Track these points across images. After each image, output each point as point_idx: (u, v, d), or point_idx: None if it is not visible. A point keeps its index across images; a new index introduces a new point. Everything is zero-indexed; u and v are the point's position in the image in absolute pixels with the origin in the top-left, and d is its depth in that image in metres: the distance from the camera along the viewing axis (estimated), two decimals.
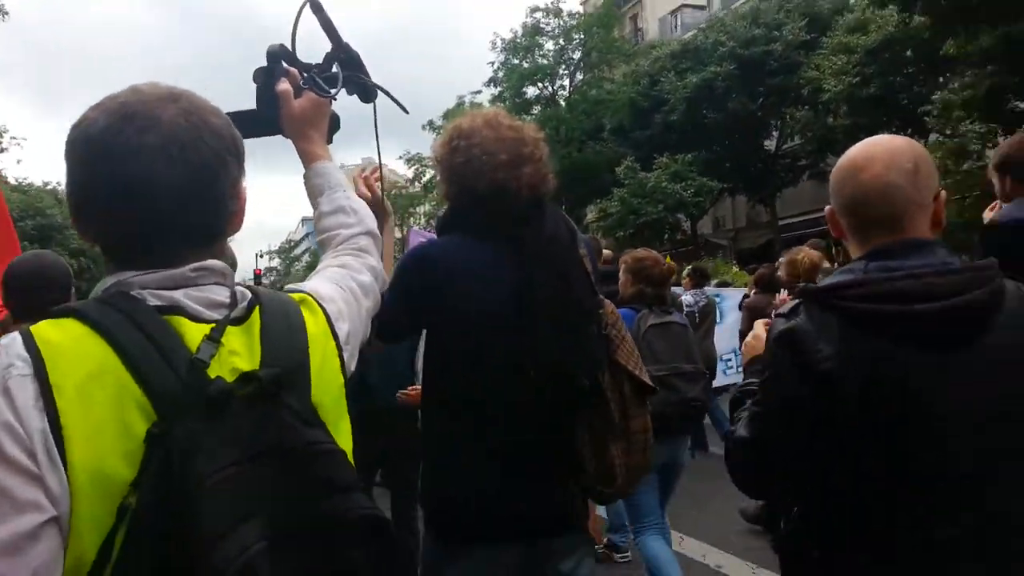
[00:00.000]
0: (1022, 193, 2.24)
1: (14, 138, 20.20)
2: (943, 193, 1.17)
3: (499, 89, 26.61)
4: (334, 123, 1.20)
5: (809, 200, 18.68)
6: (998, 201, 2.37)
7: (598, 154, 23.76)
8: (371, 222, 1.15)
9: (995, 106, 12.40)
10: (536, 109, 26.73)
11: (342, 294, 0.98)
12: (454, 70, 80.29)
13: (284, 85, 1.09)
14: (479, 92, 28.33)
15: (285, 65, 1.09)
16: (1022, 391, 1.07)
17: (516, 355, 1.39)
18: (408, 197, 40.30)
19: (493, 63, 26.55)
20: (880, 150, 1.15)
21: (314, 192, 1.13)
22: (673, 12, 30.30)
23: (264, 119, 1.10)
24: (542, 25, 25.71)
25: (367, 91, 1.23)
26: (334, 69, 1.15)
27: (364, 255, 1.08)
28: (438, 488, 1.53)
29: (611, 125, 23.17)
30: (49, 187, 22.89)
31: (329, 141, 1.20)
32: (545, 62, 25.84)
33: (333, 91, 1.13)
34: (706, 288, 6.66)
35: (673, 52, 22.23)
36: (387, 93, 1.24)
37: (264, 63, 1.08)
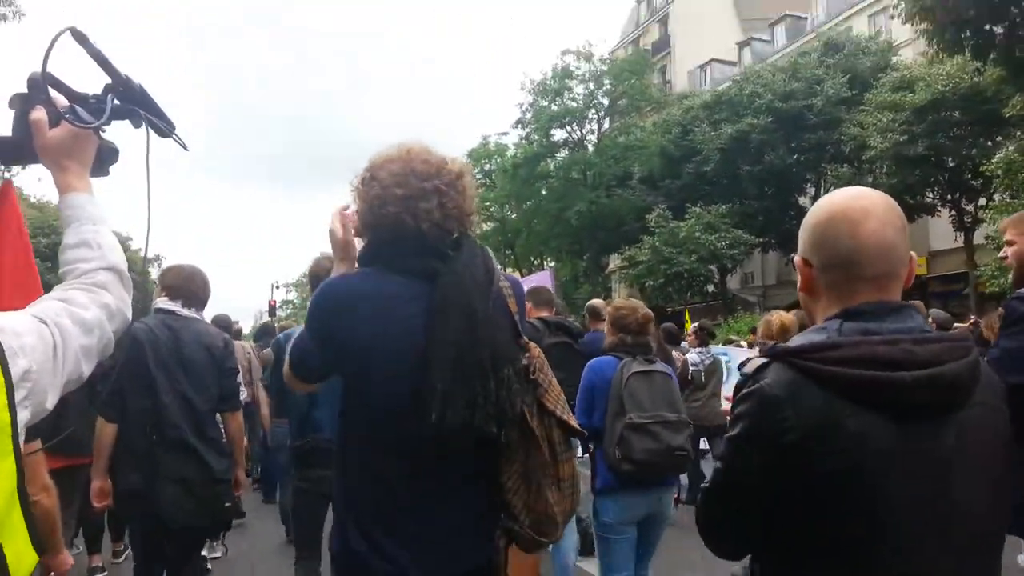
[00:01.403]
0: None
1: None
2: (914, 255, 1.13)
3: (527, 130, 26.69)
4: (108, 154, 1.22)
5: None
6: (1010, 256, 2.45)
7: (625, 201, 23.57)
8: (115, 257, 1.15)
9: None
10: (563, 153, 26.73)
11: (38, 328, 0.96)
12: (482, 109, 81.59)
13: (37, 114, 1.09)
14: (506, 133, 28.48)
15: (52, 93, 1.09)
16: (990, 478, 1.03)
17: (418, 400, 1.35)
18: None
19: (521, 104, 26.73)
20: (873, 204, 1.08)
21: (63, 223, 1.14)
22: (702, 66, 30.74)
23: (18, 146, 1.12)
24: (572, 68, 25.90)
25: (151, 123, 1.23)
26: (115, 101, 1.16)
27: (98, 291, 1.09)
28: (342, 542, 1.48)
29: (640, 173, 23.06)
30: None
31: (104, 172, 1.23)
32: (574, 105, 25.90)
33: (96, 123, 1.13)
34: (712, 347, 6.74)
35: (706, 103, 22.28)
36: (165, 130, 1.24)
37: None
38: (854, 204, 1.08)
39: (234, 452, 3.06)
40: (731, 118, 20.39)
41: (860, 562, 1.00)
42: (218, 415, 3.00)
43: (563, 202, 24.64)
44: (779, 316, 3.90)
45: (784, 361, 1.03)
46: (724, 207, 19.36)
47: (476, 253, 1.49)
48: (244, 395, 4.94)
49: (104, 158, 1.20)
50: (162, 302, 2.93)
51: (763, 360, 1.07)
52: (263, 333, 8.33)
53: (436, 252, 1.45)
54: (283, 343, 3.26)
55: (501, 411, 1.39)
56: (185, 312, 2.94)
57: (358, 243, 1.60)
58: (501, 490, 1.46)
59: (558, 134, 26.70)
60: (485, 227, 31.36)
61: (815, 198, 20.83)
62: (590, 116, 26.57)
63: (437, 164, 1.50)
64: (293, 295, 60.64)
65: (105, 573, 4.49)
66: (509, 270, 30.61)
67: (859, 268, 1.07)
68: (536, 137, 26.51)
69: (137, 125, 1.23)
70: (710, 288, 21.39)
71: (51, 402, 0.95)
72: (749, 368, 1.08)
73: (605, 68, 25.59)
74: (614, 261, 25.67)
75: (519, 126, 26.92)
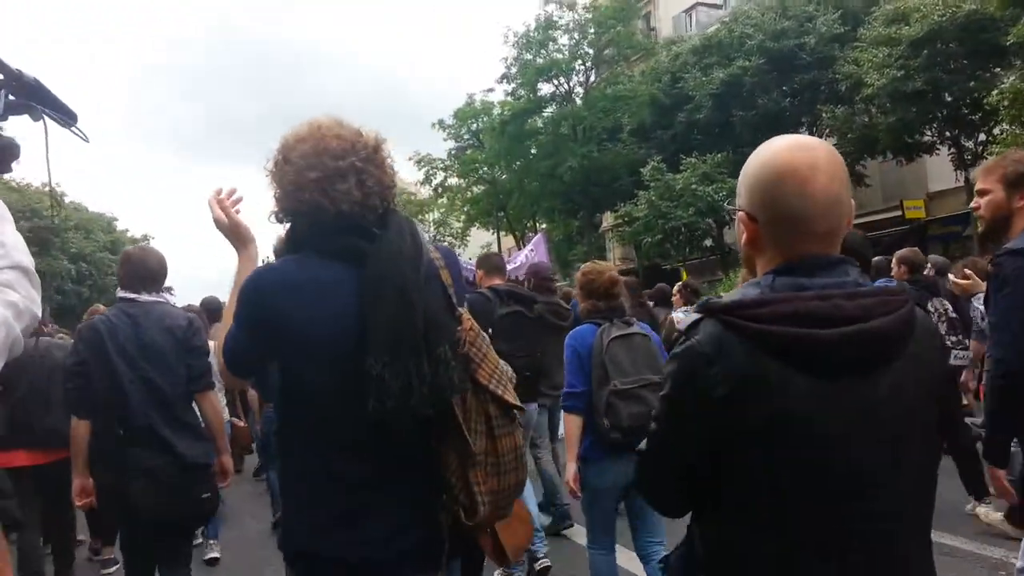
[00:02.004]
0: None
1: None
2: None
3: (513, 85, 26.09)
4: (7, 150, 1.23)
5: None
6: (982, 207, 2.40)
7: (618, 155, 23.15)
8: (20, 255, 1.17)
9: None
10: (551, 108, 26.19)
11: None
12: (467, 65, 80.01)
13: None
14: (491, 90, 27.85)
15: None
16: (913, 433, 1.04)
17: (356, 384, 1.34)
18: (417, 204, 39.87)
19: (506, 59, 26.05)
20: (818, 157, 1.07)
21: None
22: (687, 11, 29.83)
23: None
24: (555, 19, 25.19)
25: (50, 117, 1.28)
26: (9, 97, 1.19)
27: (3, 290, 1.11)
28: (288, 531, 1.51)
29: (631, 125, 22.59)
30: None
31: (7, 169, 1.25)
32: (560, 56, 25.26)
33: None
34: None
35: (695, 47, 21.68)
36: (65, 122, 1.28)
37: None
38: (801, 157, 1.07)
39: (216, 438, 2.95)
40: (722, 62, 19.84)
41: (793, 512, 1.00)
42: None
43: (554, 159, 24.18)
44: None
45: (715, 317, 1.04)
46: (720, 155, 18.98)
47: (403, 228, 1.46)
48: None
49: (4, 155, 1.23)
50: (120, 292, 2.88)
51: (697, 316, 1.07)
52: None
53: (361, 232, 1.43)
54: None
55: (439, 391, 1.38)
56: (146, 298, 2.86)
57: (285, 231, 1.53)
58: (441, 469, 1.47)
59: (545, 88, 26.11)
60: (476, 190, 30.98)
61: None
62: (577, 67, 25.90)
63: (351, 139, 1.45)
64: None
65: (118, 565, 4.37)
66: (502, 233, 30.35)
67: (807, 224, 1.06)
68: (523, 93, 25.91)
69: (36, 119, 1.26)
70: (708, 243, 21.15)
71: None
72: (682, 324, 1.11)
73: (589, 16, 24.81)
74: (608, 219, 25.36)
75: (504, 81, 26.30)
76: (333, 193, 1.41)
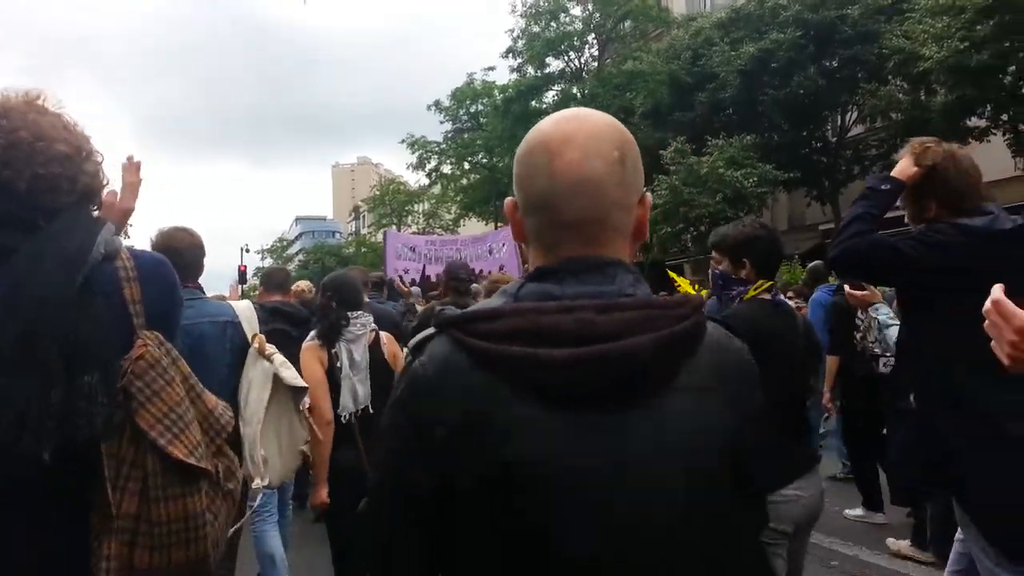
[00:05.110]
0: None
1: None
2: (648, 196, 0.98)
3: (519, 61, 24.52)
4: None
5: None
6: None
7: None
8: None
9: None
10: (560, 85, 24.62)
11: None
12: (466, 43, 79.21)
13: None
14: (493, 68, 26.26)
15: None
16: (675, 488, 0.84)
17: None
18: (406, 194, 38.22)
19: (512, 30, 24.49)
20: (578, 129, 0.92)
21: None
22: None
23: None
24: None
25: None
26: None
27: None
28: None
29: (644, 107, 21.14)
30: None
31: None
32: (572, 29, 23.73)
33: None
34: None
35: (719, 21, 20.38)
36: None
37: None
38: (558, 129, 0.92)
39: None
40: (752, 36, 18.48)
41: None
42: None
43: None
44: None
45: (445, 333, 0.89)
46: (748, 138, 17.54)
47: (74, 226, 1.29)
48: None
49: None
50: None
51: (427, 332, 0.92)
52: None
53: (19, 224, 1.25)
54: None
55: (69, 430, 1.16)
56: None
57: None
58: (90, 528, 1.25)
59: (554, 65, 24.66)
60: (472, 178, 29.38)
61: (841, 126, 19.51)
62: (590, 41, 24.39)
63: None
64: (268, 261, 58.88)
65: None
66: (499, 224, 28.74)
67: (553, 212, 0.91)
68: (530, 70, 24.37)
69: None
70: None
71: None
72: (412, 341, 0.94)
73: None
74: None
75: (510, 55, 24.72)
76: None
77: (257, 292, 4.60)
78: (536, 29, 23.91)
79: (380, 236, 23.93)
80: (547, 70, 24.58)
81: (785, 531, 2.29)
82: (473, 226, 30.86)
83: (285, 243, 68.73)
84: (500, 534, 0.84)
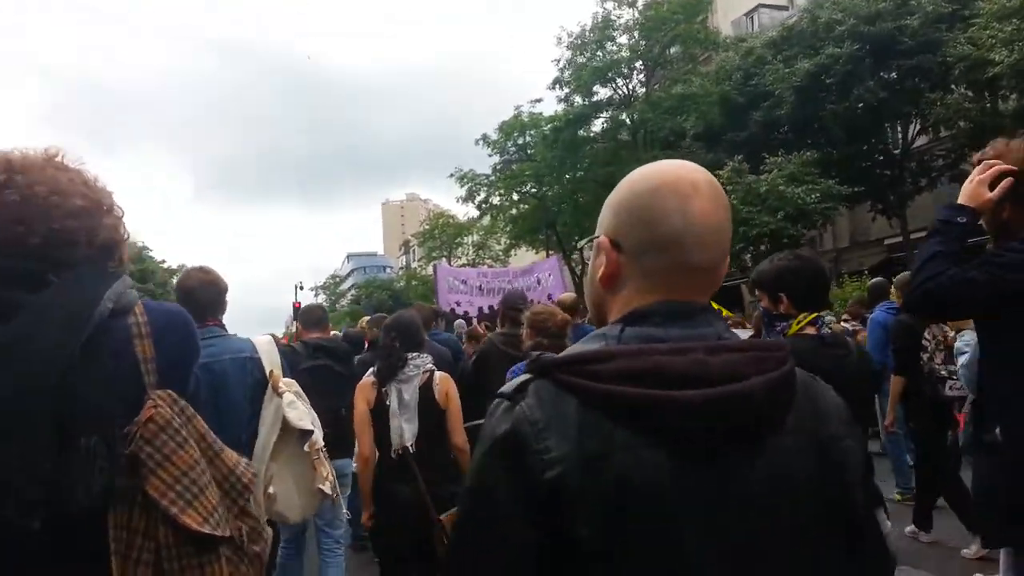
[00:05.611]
0: None
1: None
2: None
3: (566, 91, 24.73)
4: None
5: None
6: None
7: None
8: None
9: None
10: (608, 112, 24.71)
11: None
12: (514, 78, 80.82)
13: None
14: (539, 100, 26.56)
15: None
16: (795, 522, 0.86)
17: None
18: (456, 227, 38.66)
19: (558, 61, 24.76)
20: (703, 179, 0.92)
21: None
22: (748, 13, 28.57)
23: None
24: (613, 17, 23.91)
25: None
26: None
27: None
28: None
29: (696, 129, 21.02)
30: None
31: None
32: (619, 56, 23.88)
33: None
34: None
35: (771, 40, 20.21)
36: None
37: None
38: (679, 175, 0.92)
39: None
40: (806, 52, 18.23)
41: None
42: None
43: (612, 167, 22.61)
44: (554, 308, 3.89)
45: (548, 377, 0.86)
46: (808, 154, 17.19)
47: (83, 282, 1.23)
48: None
49: None
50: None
51: (525, 376, 0.89)
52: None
53: (28, 280, 1.20)
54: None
55: (65, 497, 1.10)
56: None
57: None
58: None
59: (601, 92, 24.76)
60: (521, 208, 29.53)
61: (904, 137, 18.90)
62: (638, 67, 24.48)
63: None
64: (321, 297, 60.20)
65: None
66: (551, 252, 28.68)
67: (684, 252, 0.90)
68: (577, 99, 24.54)
69: None
70: None
71: None
72: (507, 387, 0.89)
73: (651, 12, 23.46)
74: None
75: (557, 86, 24.95)
76: None
77: (298, 330, 4.79)
78: (582, 60, 24.13)
79: (430, 269, 24.21)
80: (595, 98, 24.69)
81: None
82: (524, 255, 30.95)
83: (338, 279, 70.46)
84: (615, 557, 0.81)
